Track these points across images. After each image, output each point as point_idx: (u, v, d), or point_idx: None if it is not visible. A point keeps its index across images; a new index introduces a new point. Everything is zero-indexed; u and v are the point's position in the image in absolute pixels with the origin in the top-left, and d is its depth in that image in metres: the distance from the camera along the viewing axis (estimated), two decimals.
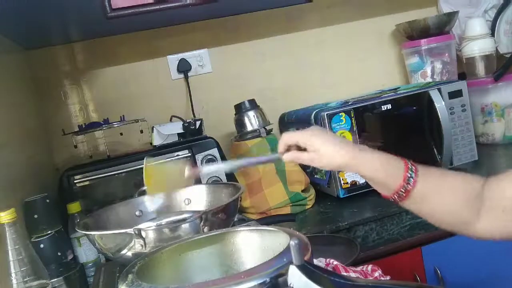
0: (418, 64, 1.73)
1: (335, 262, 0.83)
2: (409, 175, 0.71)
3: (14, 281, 0.76)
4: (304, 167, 1.46)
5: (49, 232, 1.01)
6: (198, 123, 1.42)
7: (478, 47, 1.69)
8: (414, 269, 1.21)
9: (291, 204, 1.35)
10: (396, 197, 0.72)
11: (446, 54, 1.71)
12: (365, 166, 0.73)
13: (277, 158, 0.81)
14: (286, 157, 0.78)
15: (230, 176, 1.33)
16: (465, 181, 0.73)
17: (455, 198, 0.71)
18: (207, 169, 0.97)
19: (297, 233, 0.61)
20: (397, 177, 0.71)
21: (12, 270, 0.76)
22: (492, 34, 1.73)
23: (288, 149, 0.79)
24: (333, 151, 0.73)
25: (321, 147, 0.74)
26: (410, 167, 0.72)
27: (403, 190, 0.71)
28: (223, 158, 1.32)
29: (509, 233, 0.69)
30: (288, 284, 0.46)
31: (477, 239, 0.72)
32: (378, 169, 0.72)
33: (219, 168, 0.92)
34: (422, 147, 1.40)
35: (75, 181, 1.22)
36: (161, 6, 1.30)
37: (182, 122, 1.40)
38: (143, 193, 1.07)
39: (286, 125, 1.63)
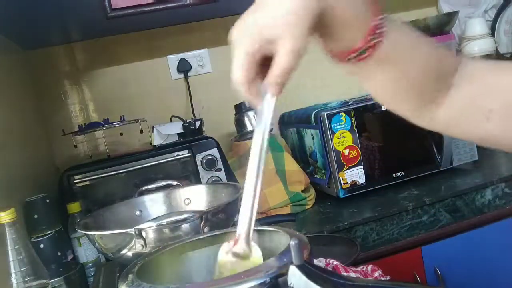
0: None
1: (335, 262, 0.83)
2: (381, 16, 0.50)
3: (14, 281, 0.76)
4: (304, 167, 1.46)
5: (49, 232, 1.01)
6: (198, 123, 1.42)
7: (478, 47, 1.69)
8: (414, 269, 1.21)
9: (291, 204, 1.35)
10: (369, 40, 0.50)
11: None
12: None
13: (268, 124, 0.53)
14: (272, 89, 0.50)
15: (230, 176, 1.33)
16: (439, 55, 0.57)
17: (425, 69, 0.55)
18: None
19: (297, 233, 0.61)
20: (366, 14, 0.50)
21: (12, 270, 0.76)
22: (492, 34, 1.73)
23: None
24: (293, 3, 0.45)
25: (277, 19, 0.46)
26: (378, 18, 0.50)
27: (377, 32, 0.49)
28: (223, 158, 1.32)
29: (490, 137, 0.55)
30: (288, 284, 0.46)
31: (425, 126, 0.60)
32: (349, 2, 0.49)
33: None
34: (422, 147, 1.40)
35: (75, 181, 1.22)
36: (161, 6, 1.30)
37: (182, 122, 1.40)
38: (143, 193, 1.07)
39: (286, 125, 1.63)
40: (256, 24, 0.48)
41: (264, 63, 0.50)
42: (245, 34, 0.48)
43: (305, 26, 0.46)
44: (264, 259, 0.54)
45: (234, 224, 0.95)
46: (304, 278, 0.45)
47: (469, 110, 0.56)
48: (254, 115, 1.44)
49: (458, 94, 0.56)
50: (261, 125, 0.52)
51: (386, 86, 0.56)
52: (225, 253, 0.56)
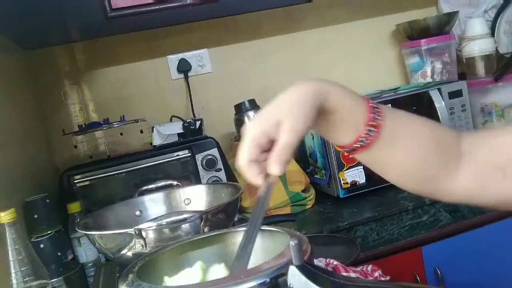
0: (418, 64, 1.73)
1: (335, 262, 0.83)
2: (375, 106, 0.57)
3: (14, 281, 0.76)
4: (304, 167, 1.46)
5: (49, 232, 1.01)
6: (198, 123, 1.42)
7: (478, 47, 1.69)
8: (414, 269, 1.21)
9: (291, 204, 1.35)
10: (364, 135, 0.56)
11: (446, 54, 1.71)
12: (335, 91, 0.56)
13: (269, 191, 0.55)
14: (275, 168, 0.53)
15: (230, 176, 1.33)
16: (437, 126, 0.62)
17: (428, 143, 0.60)
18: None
19: (298, 233, 0.60)
20: (361, 108, 0.57)
21: (12, 270, 0.76)
22: (492, 34, 1.73)
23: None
24: (297, 90, 0.54)
25: (279, 107, 0.53)
26: (371, 101, 0.58)
27: (373, 124, 0.56)
28: (223, 158, 1.32)
29: (505, 198, 0.59)
30: (288, 284, 0.46)
31: (449, 201, 0.64)
32: (346, 95, 0.57)
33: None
34: None
35: (75, 181, 1.22)
36: (161, 6, 1.30)
37: (182, 122, 1.40)
38: (143, 193, 1.07)
39: None
40: (263, 114, 0.54)
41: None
42: (253, 121, 0.54)
43: (305, 110, 0.52)
44: (264, 259, 0.54)
45: (234, 224, 0.95)
46: (303, 278, 0.45)
47: (483, 172, 0.60)
48: (254, 115, 1.44)
49: (471, 159, 0.60)
50: (259, 205, 0.55)
51: (396, 167, 0.61)
52: None
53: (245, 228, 0.55)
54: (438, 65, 1.71)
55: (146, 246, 0.78)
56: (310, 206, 1.39)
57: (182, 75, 1.68)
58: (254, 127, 0.53)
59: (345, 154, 0.60)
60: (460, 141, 0.61)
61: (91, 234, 0.85)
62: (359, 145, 0.57)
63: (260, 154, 0.54)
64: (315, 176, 1.45)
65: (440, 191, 0.62)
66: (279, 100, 0.54)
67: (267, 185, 0.54)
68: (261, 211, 0.55)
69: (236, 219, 0.96)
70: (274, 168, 0.53)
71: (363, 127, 0.56)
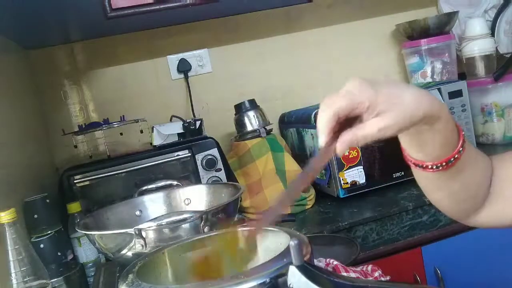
0: (418, 64, 1.73)
1: (335, 262, 0.83)
2: (464, 137, 0.58)
3: (14, 281, 0.76)
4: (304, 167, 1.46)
5: (49, 232, 1.01)
6: (198, 123, 1.42)
7: (478, 47, 1.69)
8: (414, 269, 1.21)
9: (291, 204, 1.35)
10: (445, 163, 0.57)
11: (446, 54, 1.71)
12: (447, 115, 0.54)
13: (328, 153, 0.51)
14: (341, 148, 0.49)
15: (230, 176, 1.33)
16: (485, 157, 0.64)
17: (484, 173, 0.63)
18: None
19: (298, 233, 0.61)
20: (455, 139, 0.57)
21: (12, 270, 0.76)
22: (492, 34, 1.73)
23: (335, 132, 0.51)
24: (414, 96, 0.49)
25: (393, 98, 0.49)
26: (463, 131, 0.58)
27: (457, 156, 0.57)
28: (223, 158, 1.32)
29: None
30: (288, 284, 0.46)
31: (476, 226, 0.68)
32: (450, 123, 0.55)
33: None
34: None
35: (75, 181, 1.22)
36: (161, 6, 1.30)
37: (182, 122, 1.40)
38: (143, 193, 1.07)
39: (286, 125, 1.63)
40: (377, 87, 0.49)
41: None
42: (371, 86, 0.49)
43: (412, 119, 0.49)
44: (265, 259, 0.54)
45: (234, 224, 0.95)
46: (303, 278, 0.45)
47: (504, 204, 0.63)
48: (254, 115, 1.44)
49: (498, 199, 0.64)
50: (310, 166, 0.52)
51: (451, 192, 0.62)
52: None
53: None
54: (438, 65, 1.71)
55: (146, 246, 0.78)
56: (310, 206, 1.39)
57: (182, 75, 1.68)
58: (368, 92, 0.48)
59: (415, 168, 0.61)
60: (492, 174, 0.64)
61: (91, 234, 0.85)
62: (438, 167, 0.57)
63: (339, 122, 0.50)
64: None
65: (471, 219, 0.67)
66: (403, 90, 0.50)
67: (325, 151, 0.50)
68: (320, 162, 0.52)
69: (236, 219, 0.96)
70: (342, 147, 0.49)
71: (450, 155, 0.57)
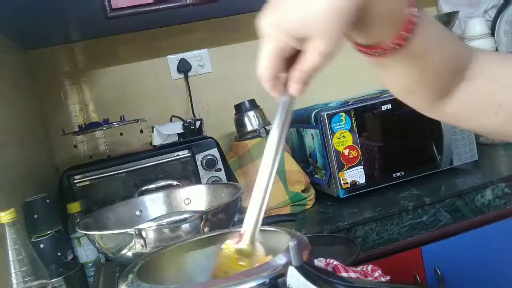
0: None
1: (335, 262, 0.83)
2: (416, 8, 0.48)
3: (14, 281, 0.76)
4: (304, 167, 1.46)
5: (49, 232, 1.01)
6: (198, 123, 1.42)
7: (478, 47, 1.69)
8: (414, 269, 1.21)
9: (291, 204, 1.35)
10: (401, 36, 0.47)
11: None
12: None
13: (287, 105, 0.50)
14: (296, 88, 0.47)
15: (230, 176, 1.33)
16: (460, 45, 0.55)
17: (450, 61, 0.54)
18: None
19: (298, 233, 0.61)
20: (401, 9, 0.47)
21: (12, 270, 0.76)
22: (492, 34, 1.73)
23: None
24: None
25: (313, 15, 0.42)
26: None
27: (410, 28, 0.47)
28: (223, 158, 1.32)
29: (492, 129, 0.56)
30: (287, 285, 0.46)
31: (435, 118, 0.60)
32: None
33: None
34: (422, 147, 1.40)
35: (75, 181, 1.22)
36: (161, 6, 1.30)
37: (182, 122, 1.40)
38: (143, 193, 1.07)
39: None
40: (290, 19, 0.44)
41: (292, 60, 0.47)
42: (277, 28, 0.45)
43: (342, 27, 0.43)
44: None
45: (234, 224, 0.95)
46: (302, 279, 0.45)
47: (479, 103, 0.56)
48: (254, 115, 1.44)
49: (469, 88, 0.56)
50: (278, 123, 0.50)
51: (407, 79, 0.55)
52: (227, 249, 0.56)
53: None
54: None
55: (146, 246, 0.78)
56: (310, 206, 1.39)
57: (182, 75, 1.68)
58: (280, 34, 0.46)
59: (365, 54, 0.51)
60: (469, 65, 0.55)
61: (91, 234, 0.85)
62: (379, 53, 0.49)
63: (282, 63, 0.47)
64: (315, 176, 1.45)
65: (431, 109, 0.59)
66: (313, 2, 0.42)
67: (287, 100, 0.49)
68: (283, 129, 0.50)
69: (236, 219, 0.96)
70: (296, 88, 0.47)
71: (390, 41, 0.48)
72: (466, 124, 0.59)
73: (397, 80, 0.56)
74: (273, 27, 0.46)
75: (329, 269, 0.81)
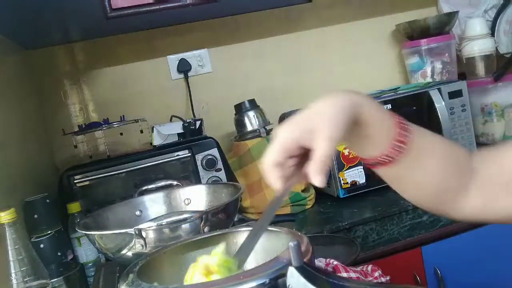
0: (418, 64, 1.73)
1: (335, 262, 0.83)
2: (402, 122, 0.58)
3: (14, 281, 0.76)
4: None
5: (49, 232, 1.01)
6: (198, 123, 1.42)
7: (478, 47, 1.69)
8: (414, 269, 1.21)
9: (291, 204, 1.35)
10: (391, 150, 0.57)
11: (446, 54, 1.71)
12: (368, 104, 0.56)
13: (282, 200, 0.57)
14: (318, 179, 0.53)
15: (230, 176, 1.33)
16: (454, 145, 0.63)
17: (447, 161, 0.61)
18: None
19: (299, 233, 0.61)
20: (390, 123, 0.57)
21: (12, 270, 0.76)
22: (492, 34, 1.73)
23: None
24: (334, 101, 0.54)
25: (316, 115, 0.53)
26: (399, 117, 0.59)
27: (400, 140, 0.56)
28: (223, 158, 1.32)
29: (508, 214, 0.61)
30: (287, 285, 0.46)
31: (460, 219, 0.65)
32: (377, 109, 0.57)
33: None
34: None
35: (75, 181, 1.22)
36: (161, 6, 1.30)
37: (182, 122, 1.40)
38: (143, 193, 1.07)
39: None
40: (297, 120, 0.54)
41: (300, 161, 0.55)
42: (287, 126, 0.54)
43: (341, 120, 0.52)
44: (265, 260, 0.54)
45: (234, 224, 0.95)
46: (302, 280, 0.45)
47: (491, 189, 0.61)
48: (254, 115, 1.44)
49: (478, 179, 0.61)
50: (272, 205, 0.56)
51: (416, 185, 0.62)
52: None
53: (248, 228, 0.56)
54: (438, 65, 1.71)
55: (146, 246, 0.78)
56: (310, 206, 1.39)
57: (182, 75, 1.68)
58: (286, 132, 0.53)
59: (368, 167, 0.63)
60: (472, 160, 0.62)
61: (91, 234, 0.85)
62: (386, 160, 0.58)
63: (286, 158, 0.54)
64: None
65: (452, 210, 0.64)
66: (314, 108, 0.54)
67: (285, 189, 0.55)
68: (272, 211, 0.56)
69: (236, 219, 0.96)
70: (317, 179, 0.52)
71: (390, 142, 0.57)
72: (489, 216, 0.63)
73: (406, 188, 0.63)
74: (283, 126, 0.54)
75: (329, 269, 0.82)
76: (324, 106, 0.53)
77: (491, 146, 0.65)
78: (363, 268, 0.85)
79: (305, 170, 0.53)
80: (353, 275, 0.82)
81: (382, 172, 0.62)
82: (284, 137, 0.53)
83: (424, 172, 0.60)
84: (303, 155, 0.54)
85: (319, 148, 0.51)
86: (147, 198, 1.06)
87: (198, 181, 1.28)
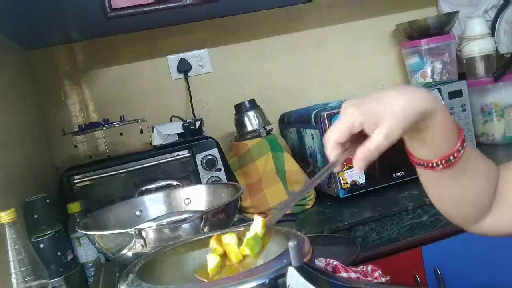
0: (418, 64, 1.73)
1: (335, 262, 0.83)
2: (464, 137, 0.60)
3: (14, 281, 0.76)
4: (304, 167, 1.46)
5: (49, 232, 1.01)
6: (198, 123, 1.42)
7: (478, 47, 1.69)
8: (414, 269, 1.21)
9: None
10: (444, 161, 0.59)
11: (446, 54, 1.71)
12: (441, 112, 0.57)
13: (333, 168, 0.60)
14: (360, 164, 0.56)
15: (230, 176, 1.33)
16: (493, 167, 0.65)
17: (486, 182, 0.63)
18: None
19: (299, 233, 0.61)
20: (455, 137, 0.59)
21: (12, 270, 0.76)
22: (492, 34, 1.73)
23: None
24: (402, 100, 0.55)
25: (382, 107, 0.54)
26: (463, 135, 0.61)
27: (456, 154, 0.59)
28: (223, 158, 1.32)
29: None
30: (287, 285, 0.46)
31: (478, 234, 0.67)
32: (448, 120, 0.58)
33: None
34: None
35: (75, 181, 1.22)
36: (161, 6, 1.30)
37: (182, 122, 1.40)
38: (143, 193, 1.07)
39: (286, 125, 1.63)
40: (369, 107, 0.55)
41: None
42: (357, 108, 0.55)
43: (408, 120, 0.54)
44: (264, 260, 0.54)
45: (234, 224, 0.95)
46: (302, 280, 0.45)
47: (509, 211, 0.64)
48: (254, 115, 1.44)
49: (502, 199, 0.64)
50: (318, 175, 0.59)
51: (456, 195, 0.64)
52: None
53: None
54: (438, 65, 1.71)
55: (146, 246, 0.78)
56: (310, 206, 1.39)
57: (182, 75, 1.68)
58: (354, 116, 0.54)
59: (413, 163, 0.64)
60: (499, 178, 0.65)
61: (91, 234, 0.85)
62: (439, 165, 0.59)
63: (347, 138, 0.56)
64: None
65: (474, 225, 0.66)
66: (389, 98, 0.55)
67: (334, 161, 0.58)
68: (319, 177, 0.59)
69: (236, 219, 0.96)
70: (360, 164, 0.55)
71: (449, 153, 0.59)
72: (507, 233, 0.66)
73: (447, 198, 0.65)
74: (353, 107, 0.55)
75: (329, 269, 0.82)
76: (399, 99, 0.55)
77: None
78: (363, 268, 0.85)
79: (355, 149, 0.56)
80: (353, 275, 0.82)
81: (423, 173, 0.64)
82: (352, 121, 0.54)
83: (464, 187, 0.62)
84: (360, 133, 0.56)
85: (374, 141, 0.54)
86: (147, 198, 1.06)
87: (198, 181, 1.28)
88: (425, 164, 0.60)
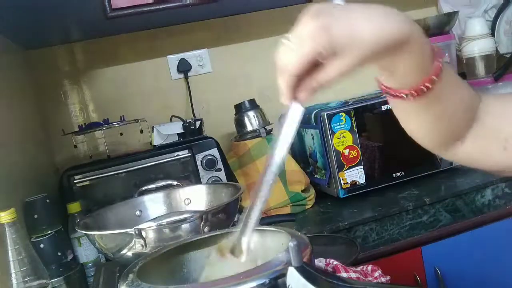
0: None
1: (335, 262, 0.83)
2: (442, 64, 0.52)
3: (14, 281, 0.76)
4: (304, 167, 1.46)
5: (49, 232, 1.01)
6: (198, 123, 1.42)
7: (478, 47, 1.69)
8: (414, 269, 1.21)
9: (291, 204, 1.35)
10: (414, 91, 0.51)
11: (446, 54, 1.71)
12: (418, 37, 0.50)
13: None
14: (304, 95, 0.49)
15: (230, 176, 1.33)
16: (473, 93, 0.59)
17: (465, 107, 0.57)
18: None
19: (298, 233, 0.61)
20: (429, 65, 0.51)
21: (12, 270, 0.76)
22: (492, 34, 1.73)
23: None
24: (376, 26, 0.46)
25: (350, 35, 0.44)
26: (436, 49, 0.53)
27: (428, 84, 0.51)
28: (223, 158, 1.32)
29: (498, 166, 0.59)
30: (287, 285, 0.46)
31: (451, 161, 0.64)
32: (424, 45, 0.50)
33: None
34: (422, 147, 1.39)
35: (75, 181, 1.22)
36: (161, 6, 1.30)
37: (182, 122, 1.40)
38: (143, 193, 1.07)
39: None
40: (339, 30, 0.45)
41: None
42: (324, 32, 0.44)
43: (374, 52, 0.46)
44: (265, 260, 0.54)
45: (234, 224, 0.95)
46: (302, 280, 0.45)
47: (488, 142, 0.59)
48: (254, 115, 1.44)
49: (479, 128, 0.60)
50: (283, 133, 0.54)
51: (425, 123, 0.59)
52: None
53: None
54: None
55: (146, 246, 0.78)
56: (310, 206, 1.39)
57: (182, 75, 1.68)
58: (314, 42, 0.45)
59: (387, 97, 0.56)
60: (479, 108, 0.60)
61: (91, 234, 0.85)
62: (410, 95, 0.52)
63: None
64: (315, 176, 1.45)
65: (447, 151, 0.62)
66: (359, 21, 0.45)
67: (293, 111, 0.51)
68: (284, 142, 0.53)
69: (236, 219, 0.96)
70: (303, 95, 0.48)
71: (421, 83, 0.51)
72: (479, 165, 0.62)
73: (415, 124, 0.60)
74: (320, 31, 0.45)
75: (329, 269, 0.82)
76: (368, 22, 0.45)
77: (498, 95, 0.63)
78: (363, 268, 0.85)
79: (302, 82, 0.47)
80: (353, 275, 0.82)
81: (398, 105, 0.57)
82: (311, 51, 0.45)
83: (437, 116, 0.56)
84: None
85: (329, 74, 0.46)
86: (147, 198, 1.06)
87: (198, 181, 1.28)
88: (395, 94, 0.53)
